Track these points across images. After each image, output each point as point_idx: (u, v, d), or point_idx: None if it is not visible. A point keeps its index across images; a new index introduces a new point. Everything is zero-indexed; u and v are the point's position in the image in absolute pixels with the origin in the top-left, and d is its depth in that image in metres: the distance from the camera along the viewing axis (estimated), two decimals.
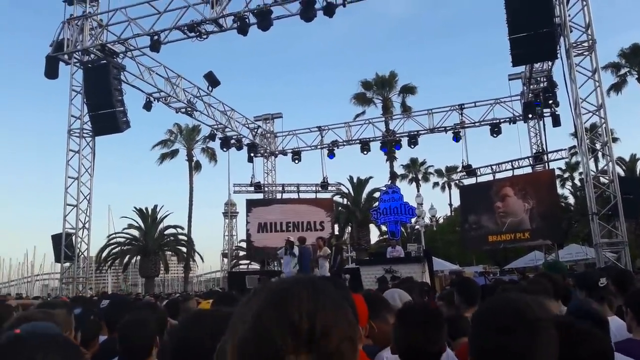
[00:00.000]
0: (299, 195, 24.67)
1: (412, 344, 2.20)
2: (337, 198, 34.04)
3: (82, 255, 16.15)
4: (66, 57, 16.29)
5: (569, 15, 12.57)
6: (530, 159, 21.34)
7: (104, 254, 37.64)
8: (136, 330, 2.76)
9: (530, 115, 20.49)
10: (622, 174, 27.58)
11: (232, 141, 22.53)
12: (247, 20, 14.46)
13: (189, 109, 19.59)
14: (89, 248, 16.39)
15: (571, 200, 36.72)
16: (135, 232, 37.52)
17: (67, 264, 15.94)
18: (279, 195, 25.05)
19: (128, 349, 2.75)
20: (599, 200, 12.31)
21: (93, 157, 16.43)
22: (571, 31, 12.48)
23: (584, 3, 12.43)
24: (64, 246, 15.30)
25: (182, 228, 40.28)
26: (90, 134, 16.33)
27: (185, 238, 40.24)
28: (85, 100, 16.04)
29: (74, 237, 15.70)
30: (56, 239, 15.71)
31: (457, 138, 21.02)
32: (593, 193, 12.08)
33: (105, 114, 15.49)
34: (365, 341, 2.41)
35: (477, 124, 20.96)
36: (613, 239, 12.14)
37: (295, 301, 0.78)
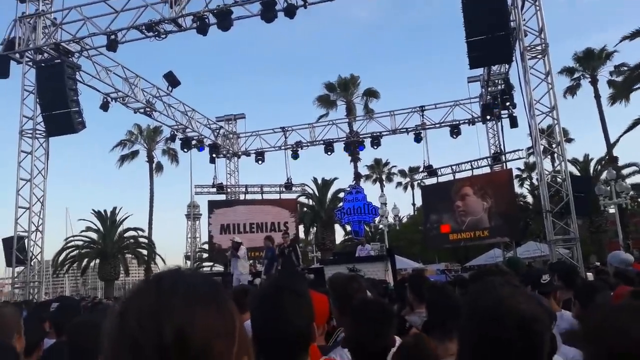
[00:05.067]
0: (262, 196, 24.51)
1: (360, 338, 2.26)
2: (302, 199, 34.10)
3: (36, 259, 15.60)
4: (18, 55, 15.69)
5: (524, 20, 12.93)
6: (488, 159, 21.89)
7: (61, 258, 36.61)
8: (86, 333, 2.68)
9: (488, 117, 21.01)
10: (577, 173, 28.52)
11: (194, 142, 22.21)
12: (206, 20, 14.27)
13: (148, 110, 19.21)
14: (43, 251, 15.80)
15: (530, 199, 37.78)
16: (94, 235, 36.59)
17: (20, 268, 15.37)
18: (242, 197, 24.79)
19: (77, 352, 2.68)
20: (555, 198, 12.73)
21: (47, 159, 15.86)
22: (525, 35, 12.83)
23: (537, 8, 12.82)
24: (15, 250, 14.73)
25: (143, 230, 39.61)
26: (44, 134, 15.78)
27: (146, 240, 39.52)
28: (38, 100, 15.48)
29: (26, 241, 15.13)
30: (7, 242, 15.11)
31: (418, 139, 21.37)
32: (547, 192, 12.50)
33: (59, 114, 14.94)
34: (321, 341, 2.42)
35: (437, 125, 21.36)
36: (566, 236, 12.57)
37: (135, 312, 0.69)
